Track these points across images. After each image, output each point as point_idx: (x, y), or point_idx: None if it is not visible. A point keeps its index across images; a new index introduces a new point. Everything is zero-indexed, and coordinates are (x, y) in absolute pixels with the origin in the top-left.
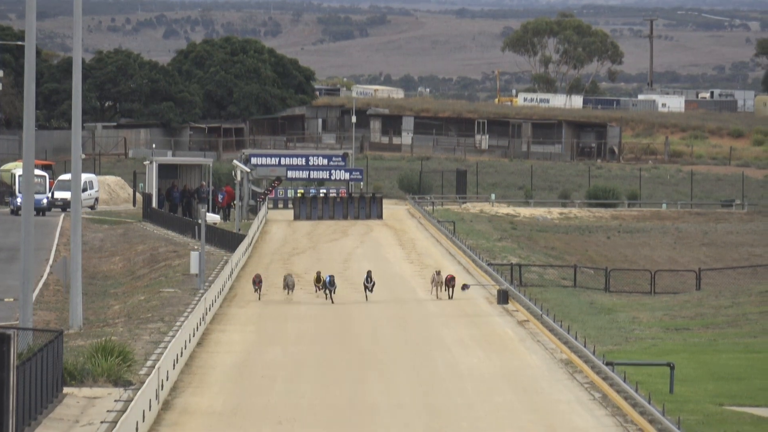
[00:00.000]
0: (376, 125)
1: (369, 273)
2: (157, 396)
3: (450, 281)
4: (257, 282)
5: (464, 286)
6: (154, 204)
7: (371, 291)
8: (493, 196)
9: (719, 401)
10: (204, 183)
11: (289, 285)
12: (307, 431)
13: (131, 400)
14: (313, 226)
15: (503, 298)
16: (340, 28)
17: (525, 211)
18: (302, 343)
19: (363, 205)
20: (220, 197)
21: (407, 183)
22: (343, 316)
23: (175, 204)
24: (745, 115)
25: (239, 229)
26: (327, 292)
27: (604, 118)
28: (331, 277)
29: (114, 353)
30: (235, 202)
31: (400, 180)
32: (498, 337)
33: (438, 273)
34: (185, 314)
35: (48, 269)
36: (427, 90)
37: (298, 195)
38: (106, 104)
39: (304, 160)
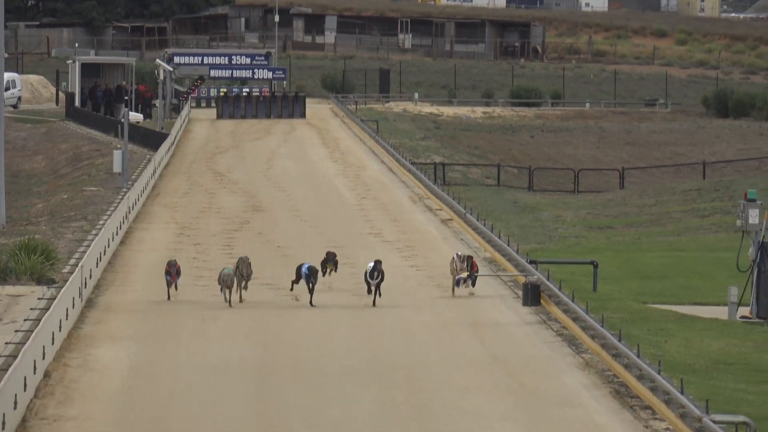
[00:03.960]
0: (299, 24)
1: (377, 264)
2: (80, 294)
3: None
4: (173, 274)
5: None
6: (77, 103)
7: (379, 292)
8: (416, 95)
9: (643, 299)
10: (124, 83)
11: (227, 283)
12: (231, 327)
13: (54, 298)
14: (236, 125)
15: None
16: None
17: (448, 111)
18: (228, 238)
19: (286, 105)
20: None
21: (330, 82)
22: (268, 220)
23: (98, 103)
24: (668, 15)
25: (162, 128)
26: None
27: (527, 18)
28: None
29: (37, 251)
30: (156, 101)
31: (323, 79)
32: (420, 235)
33: (458, 256)
34: (108, 213)
35: None
36: None
37: (221, 94)
38: (29, 3)
39: (227, 59)
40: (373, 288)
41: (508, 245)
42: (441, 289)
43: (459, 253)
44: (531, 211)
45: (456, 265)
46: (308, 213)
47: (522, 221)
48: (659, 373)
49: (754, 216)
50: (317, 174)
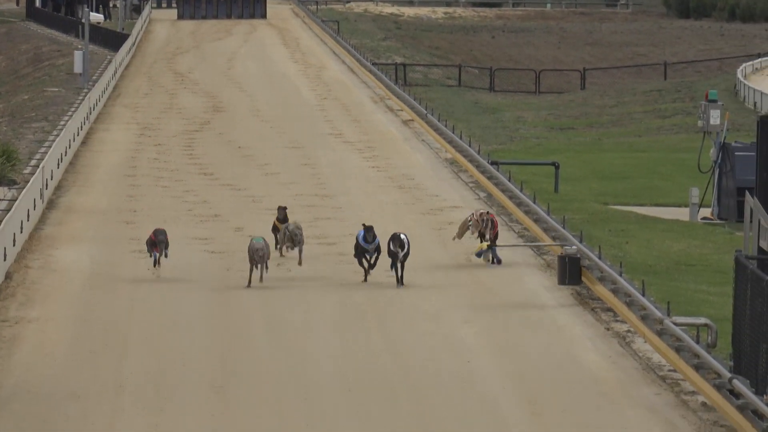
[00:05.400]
0: None
1: (398, 237)
2: (41, 195)
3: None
4: (157, 244)
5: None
6: (38, 3)
7: (401, 267)
8: None
9: (604, 200)
10: None
11: (257, 258)
12: (190, 230)
13: (16, 200)
14: (196, 25)
15: None
16: None
17: (409, 11)
18: (189, 139)
19: (247, 5)
20: None
21: None
22: (229, 120)
23: (59, 4)
24: None
25: (123, 29)
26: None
27: None
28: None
29: None
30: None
31: None
32: (381, 136)
33: (479, 214)
34: (69, 113)
35: None
36: None
37: None
38: None
39: None
40: (399, 263)
41: (470, 146)
42: (402, 190)
43: (480, 211)
44: (492, 112)
45: (472, 224)
46: (269, 113)
47: (483, 122)
48: (620, 275)
49: (715, 117)
50: (278, 74)
